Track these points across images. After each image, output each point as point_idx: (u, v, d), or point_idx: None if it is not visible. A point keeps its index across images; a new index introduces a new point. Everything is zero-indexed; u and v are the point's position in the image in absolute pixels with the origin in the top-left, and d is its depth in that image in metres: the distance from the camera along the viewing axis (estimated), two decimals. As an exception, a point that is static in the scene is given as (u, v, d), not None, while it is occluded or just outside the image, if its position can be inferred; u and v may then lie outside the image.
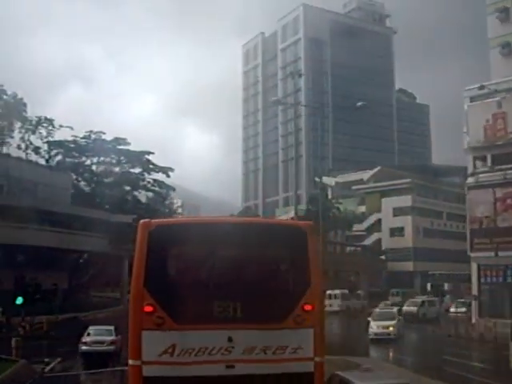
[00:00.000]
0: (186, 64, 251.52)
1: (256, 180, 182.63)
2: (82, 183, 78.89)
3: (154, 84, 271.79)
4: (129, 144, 79.63)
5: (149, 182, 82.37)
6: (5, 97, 71.02)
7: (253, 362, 10.30)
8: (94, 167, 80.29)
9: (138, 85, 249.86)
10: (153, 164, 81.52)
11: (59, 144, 75.98)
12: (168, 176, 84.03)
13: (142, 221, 10.78)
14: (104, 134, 79.75)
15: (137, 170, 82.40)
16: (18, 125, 72.71)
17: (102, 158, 79.07)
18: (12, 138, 71.18)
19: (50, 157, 75.49)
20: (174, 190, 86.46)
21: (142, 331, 10.20)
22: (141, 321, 10.21)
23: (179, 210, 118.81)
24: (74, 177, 76.99)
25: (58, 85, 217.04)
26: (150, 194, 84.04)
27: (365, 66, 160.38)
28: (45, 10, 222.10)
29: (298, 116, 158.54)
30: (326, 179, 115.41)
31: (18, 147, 71.17)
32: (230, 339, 10.22)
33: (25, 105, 73.40)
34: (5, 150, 69.94)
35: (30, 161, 70.89)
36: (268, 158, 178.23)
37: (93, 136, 78.64)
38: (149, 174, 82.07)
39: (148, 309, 10.18)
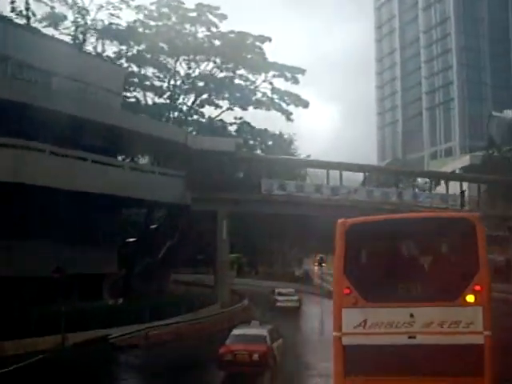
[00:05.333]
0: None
1: (394, 134, 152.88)
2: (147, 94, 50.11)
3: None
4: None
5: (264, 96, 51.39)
6: None
7: (431, 334, 11.83)
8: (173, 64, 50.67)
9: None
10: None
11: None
12: (289, 119, 52.80)
13: (340, 220, 12.53)
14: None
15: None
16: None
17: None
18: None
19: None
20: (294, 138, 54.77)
21: (342, 309, 12.18)
22: (341, 301, 12.21)
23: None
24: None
25: None
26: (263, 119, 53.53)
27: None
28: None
29: (446, 51, 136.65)
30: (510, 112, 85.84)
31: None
32: (411, 315, 11.89)
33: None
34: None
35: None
36: (408, 106, 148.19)
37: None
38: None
39: (346, 291, 12.11)
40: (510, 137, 75.97)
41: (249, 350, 21.65)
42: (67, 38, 45.37)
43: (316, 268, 68.06)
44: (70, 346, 27.44)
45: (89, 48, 46.18)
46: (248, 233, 68.93)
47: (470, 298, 11.73)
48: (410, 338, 11.78)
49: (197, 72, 50.23)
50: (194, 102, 51.58)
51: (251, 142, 49.89)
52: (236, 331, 23.76)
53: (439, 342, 11.68)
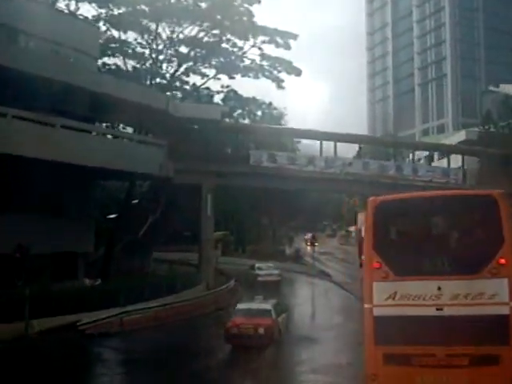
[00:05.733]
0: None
1: (385, 110, 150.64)
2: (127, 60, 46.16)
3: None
4: None
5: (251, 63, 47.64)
6: None
7: (457, 305, 12.21)
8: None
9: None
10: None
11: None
12: (280, 86, 48.83)
13: (370, 198, 13.08)
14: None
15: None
16: None
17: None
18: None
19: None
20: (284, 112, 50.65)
21: (373, 282, 12.69)
22: (371, 274, 12.71)
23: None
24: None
25: None
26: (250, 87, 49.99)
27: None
28: None
29: (439, 25, 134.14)
30: (506, 87, 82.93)
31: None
32: (438, 288, 12.34)
33: None
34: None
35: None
36: (400, 82, 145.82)
37: None
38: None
39: (376, 265, 12.62)
40: (506, 112, 73.79)
41: (254, 323, 22.70)
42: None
43: (308, 247, 65.86)
44: (34, 333, 24.42)
45: (61, 6, 42.32)
46: (235, 209, 66.03)
47: (496, 271, 12.13)
48: (437, 309, 12.24)
49: (181, 37, 46.45)
50: (177, 70, 48.00)
51: (239, 112, 46.67)
52: (241, 306, 24.97)
53: (465, 313, 12.08)
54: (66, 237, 31.63)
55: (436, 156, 50.97)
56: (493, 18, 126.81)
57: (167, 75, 47.57)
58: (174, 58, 47.74)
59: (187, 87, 47.14)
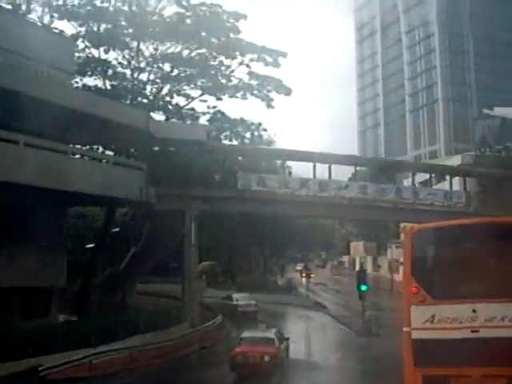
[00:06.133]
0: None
1: (376, 137, 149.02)
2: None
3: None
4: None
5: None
6: None
7: (493, 327, 12.38)
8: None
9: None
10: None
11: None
12: (270, 106, 45.71)
13: (407, 227, 16.75)
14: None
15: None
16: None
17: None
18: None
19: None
20: (265, 130, 46.81)
21: (411, 306, 13.06)
22: (410, 299, 13.07)
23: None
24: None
25: None
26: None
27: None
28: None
29: (429, 52, 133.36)
30: (500, 110, 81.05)
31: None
32: (474, 310, 12.54)
33: None
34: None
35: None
36: (391, 108, 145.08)
37: None
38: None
39: (414, 290, 12.97)
40: (501, 135, 72.01)
41: (260, 351, 23.07)
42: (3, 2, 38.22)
43: (301, 277, 62.72)
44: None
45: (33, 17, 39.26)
46: (224, 238, 62.80)
47: None
48: (472, 331, 12.40)
49: (164, 55, 43.59)
50: (160, 90, 45.05)
51: (226, 134, 43.63)
52: (245, 334, 25.51)
53: (502, 335, 12.19)
54: (32, 269, 28.36)
55: (434, 180, 47.96)
56: (482, 43, 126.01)
57: (150, 96, 44.64)
58: (158, 79, 44.89)
59: (170, 107, 43.90)
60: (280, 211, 39.00)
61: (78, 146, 34.57)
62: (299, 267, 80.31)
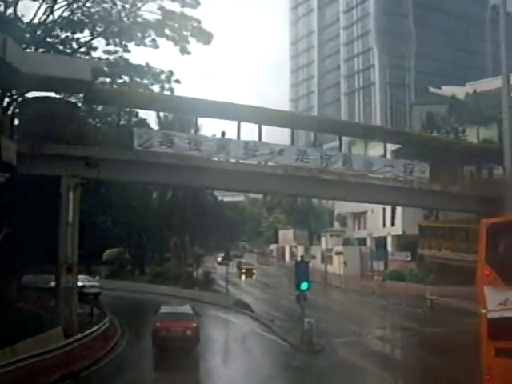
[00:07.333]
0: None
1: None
2: None
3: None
4: None
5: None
6: None
7: None
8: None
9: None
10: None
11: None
12: (184, 51, 35.77)
13: (483, 220, 15.05)
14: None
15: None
16: None
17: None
18: None
19: None
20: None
21: (484, 286, 14.48)
22: (483, 280, 14.53)
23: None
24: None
25: None
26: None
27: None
28: None
29: (366, 32, 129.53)
30: (445, 89, 76.08)
31: None
32: None
33: None
34: None
35: None
36: (325, 91, 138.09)
37: None
38: None
39: (487, 272, 14.49)
40: (449, 118, 67.31)
41: (182, 326, 23.86)
42: None
43: (220, 266, 54.37)
44: None
45: None
46: (134, 219, 53.11)
47: None
48: None
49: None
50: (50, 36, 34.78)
51: (126, 79, 33.80)
52: (164, 309, 25.65)
53: None
54: None
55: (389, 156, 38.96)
56: (422, 30, 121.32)
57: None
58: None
59: (59, 47, 33.56)
60: (193, 181, 29.57)
61: None
62: (219, 258, 72.22)
